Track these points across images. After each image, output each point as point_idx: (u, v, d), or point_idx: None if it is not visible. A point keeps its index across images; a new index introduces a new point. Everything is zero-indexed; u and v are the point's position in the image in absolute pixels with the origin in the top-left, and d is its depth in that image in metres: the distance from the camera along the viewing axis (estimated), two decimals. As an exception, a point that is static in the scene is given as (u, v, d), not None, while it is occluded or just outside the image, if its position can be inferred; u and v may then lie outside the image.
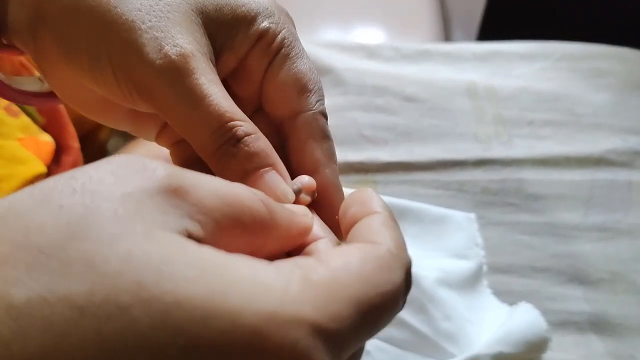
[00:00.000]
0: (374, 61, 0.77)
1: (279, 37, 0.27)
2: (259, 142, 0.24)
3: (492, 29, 1.11)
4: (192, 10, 0.25)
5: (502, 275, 0.59)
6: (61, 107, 0.52)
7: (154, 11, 0.24)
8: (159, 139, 0.29)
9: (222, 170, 0.24)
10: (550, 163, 0.67)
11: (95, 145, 0.63)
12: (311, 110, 0.26)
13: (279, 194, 0.23)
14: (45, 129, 0.50)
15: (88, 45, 0.24)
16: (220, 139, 0.23)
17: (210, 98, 0.23)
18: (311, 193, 0.25)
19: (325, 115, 0.27)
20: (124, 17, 0.23)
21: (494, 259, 0.59)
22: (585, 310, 0.57)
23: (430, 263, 0.54)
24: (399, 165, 0.66)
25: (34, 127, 0.48)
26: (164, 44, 0.23)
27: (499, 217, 0.63)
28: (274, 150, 0.25)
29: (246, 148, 0.24)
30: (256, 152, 0.24)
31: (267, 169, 0.24)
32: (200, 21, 0.25)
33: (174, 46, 0.23)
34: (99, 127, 0.63)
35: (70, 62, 0.25)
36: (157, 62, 0.23)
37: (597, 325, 0.56)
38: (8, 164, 0.44)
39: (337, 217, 0.24)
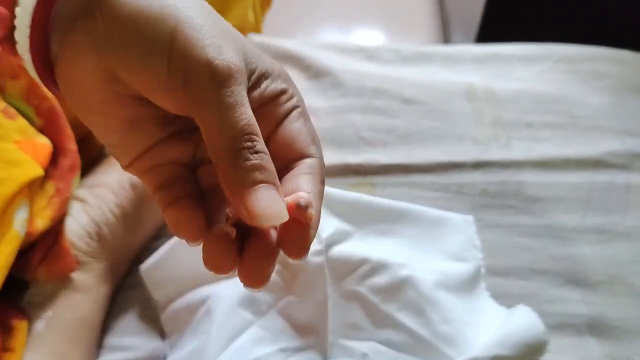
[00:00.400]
0: (373, 63, 0.77)
1: (296, 98, 0.31)
2: (270, 163, 0.27)
3: (491, 31, 1.11)
4: (239, 44, 0.29)
5: (500, 278, 0.59)
6: (59, 109, 0.52)
7: (215, 28, 0.28)
8: (130, 167, 0.31)
9: (233, 172, 0.26)
10: (549, 165, 0.67)
11: (92, 148, 0.63)
12: (316, 157, 0.30)
13: (276, 209, 0.26)
14: (42, 131, 0.50)
15: (149, 32, 0.27)
16: (242, 143, 0.26)
17: (245, 108, 0.26)
18: (311, 208, 0.27)
19: (324, 164, 0.30)
20: (195, 21, 0.27)
21: (492, 262, 0.59)
22: (583, 313, 0.57)
23: (428, 266, 0.55)
24: (398, 167, 0.66)
25: (31, 130, 0.48)
26: (224, 51, 0.27)
27: (498, 220, 0.63)
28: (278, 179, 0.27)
29: (261, 161, 0.26)
30: (268, 168, 0.26)
31: (272, 185, 0.26)
32: (243, 56, 0.28)
33: (231, 57, 0.27)
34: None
35: (123, 51, 0.27)
36: (216, 61, 0.26)
37: (595, 327, 0.56)
38: (5, 167, 0.44)
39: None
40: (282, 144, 0.30)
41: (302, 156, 0.30)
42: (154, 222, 0.59)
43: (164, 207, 0.29)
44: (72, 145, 0.53)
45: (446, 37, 1.21)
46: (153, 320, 0.55)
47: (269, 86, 0.30)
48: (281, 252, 0.28)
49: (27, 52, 0.29)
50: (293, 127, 0.30)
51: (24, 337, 0.48)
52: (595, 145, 0.68)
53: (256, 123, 0.27)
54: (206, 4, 0.29)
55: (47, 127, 0.51)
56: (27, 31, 0.28)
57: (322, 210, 0.29)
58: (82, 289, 0.52)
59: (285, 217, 0.26)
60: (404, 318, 0.50)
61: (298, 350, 0.50)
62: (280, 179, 0.28)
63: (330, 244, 0.52)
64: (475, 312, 0.53)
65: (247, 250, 0.27)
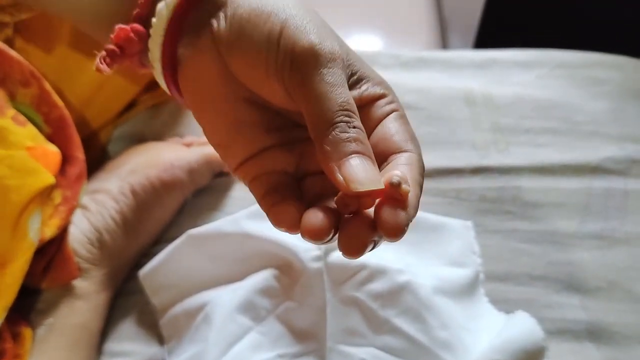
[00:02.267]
0: (372, 68, 0.77)
1: (396, 104, 0.32)
2: (366, 140, 0.28)
3: (489, 36, 1.11)
4: (343, 46, 0.31)
5: (499, 284, 0.59)
6: (68, 117, 0.52)
7: (320, 26, 0.30)
8: (238, 171, 0.33)
9: (330, 143, 0.28)
10: (548, 171, 0.67)
11: (96, 149, 0.63)
12: (414, 152, 0.30)
13: (370, 175, 0.27)
14: (51, 139, 0.50)
15: (262, 27, 0.30)
16: (341, 117, 0.28)
17: (345, 89, 0.29)
18: (406, 183, 0.27)
19: (423, 163, 0.31)
20: (302, 16, 0.30)
21: (490, 267, 0.59)
22: (582, 319, 0.57)
23: (427, 271, 0.55)
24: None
25: (41, 137, 0.48)
26: (327, 40, 0.30)
27: (496, 225, 0.63)
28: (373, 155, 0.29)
29: (358, 135, 0.28)
30: (365, 142, 0.28)
31: (367, 157, 0.28)
32: (346, 56, 0.31)
33: (333, 45, 0.30)
34: (99, 130, 0.63)
35: (239, 45, 0.31)
36: (320, 45, 0.29)
37: (594, 333, 0.56)
38: (18, 175, 0.44)
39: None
40: (379, 140, 0.31)
41: (399, 150, 0.30)
42: (154, 229, 0.59)
43: (268, 208, 0.30)
44: (80, 154, 0.53)
45: (444, 42, 1.21)
46: (152, 325, 0.56)
47: (369, 89, 0.32)
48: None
49: (158, 60, 0.33)
50: (391, 125, 0.31)
51: (29, 344, 0.48)
52: (594, 151, 0.68)
53: (354, 104, 0.29)
54: (313, 9, 0.32)
55: (55, 135, 0.51)
56: (161, 40, 0.32)
57: None
58: (83, 296, 0.52)
59: (380, 184, 0.27)
60: (403, 324, 0.50)
61: (297, 355, 0.50)
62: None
63: (329, 249, 0.52)
64: (474, 317, 0.53)
65: (347, 220, 0.28)
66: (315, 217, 0.27)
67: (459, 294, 0.54)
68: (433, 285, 0.53)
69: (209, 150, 0.61)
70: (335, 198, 0.29)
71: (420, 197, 0.29)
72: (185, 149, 0.62)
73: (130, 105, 0.66)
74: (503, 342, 0.49)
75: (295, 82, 0.29)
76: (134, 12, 0.33)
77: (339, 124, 0.28)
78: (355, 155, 0.27)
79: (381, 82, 0.32)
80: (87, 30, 0.37)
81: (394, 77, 0.75)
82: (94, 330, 0.53)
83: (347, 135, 0.28)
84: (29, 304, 0.51)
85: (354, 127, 0.28)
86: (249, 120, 0.32)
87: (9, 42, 0.49)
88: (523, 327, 0.51)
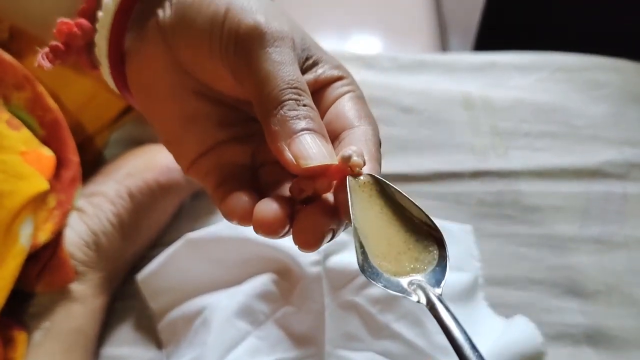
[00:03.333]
0: (371, 71, 0.77)
1: (352, 86, 0.31)
2: (318, 118, 0.27)
3: (488, 38, 1.11)
4: (297, 30, 0.30)
5: (498, 288, 0.59)
6: (62, 120, 0.51)
7: (269, 8, 0.29)
8: (191, 170, 0.32)
9: (278, 122, 0.26)
10: (547, 175, 0.67)
11: (92, 153, 0.62)
12: (368, 127, 0.29)
13: (322, 150, 0.26)
14: (45, 142, 0.50)
15: (206, 10, 0.29)
16: (289, 95, 0.27)
17: (293, 67, 0.27)
18: (361, 158, 0.26)
19: (379, 138, 0.30)
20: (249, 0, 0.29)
21: (489, 271, 0.59)
22: (581, 323, 0.57)
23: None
24: (396, 176, 0.66)
25: (35, 141, 0.48)
26: (275, 21, 0.28)
27: (495, 229, 0.63)
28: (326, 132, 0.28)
29: (308, 112, 0.27)
30: (316, 119, 0.27)
31: (319, 134, 0.26)
32: (300, 40, 0.29)
33: (281, 26, 0.28)
34: (95, 134, 0.63)
35: (183, 30, 0.29)
36: (266, 25, 0.28)
37: (593, 338, 0.56)
38: (10, 180, 0.44)
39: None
40: (332, 119, 0.30)
41: (351, 127, 0.29)
42: (151, 232, 0.59)
43: (220, 200, 0.29)
44: (74, 157, 0.52)
45: (444, 45, 1.21)
46: (149, 330, 0.55)
47: (325, 72, 0.31)
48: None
49: (105, 55, 0.31)
50: (345, 104, 0.30)
51: (24, 348, 0.47)
52: (593, 155, 0.68)
53: (305, 82, 0.28)
54: None
55: (50, 138, 0.51)
56: (107, 34, 0.31)
57: None
58: (79, 299, 0.51)
59: (333, 159, 0.26)
60: (401, 328, 0.50)
61: (295, 360, 0.50)
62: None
63: (327, 254, 0.52)
64: (473, 322, 0.53)
65: (302, 208, 0.27)
66: (267, 207, 0.26)
67: (459, 298, 0.54)
68: (432, 290, 0.52)
69: None
70: (290, 185, 0.27)
71: (380, 173, 0.28)
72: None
73: (127, 110, 0.66)
74: (502, 346, 0.49)
75: (242, 63, 0.28)
76: (80, 6, 0.31)
77: (287, 102, 0.26)
78: (305, 132, 0.26)
79: (339, 67, 0.31)
80: (37, 31, 0.36)
81: (393, 80, 0.75)
82: (91, 334, 0.52)
83: (296, 112, 0.26)
84: (23, 308, 0.51)
85: (304, 105, 0.27)
86: (200, 114, 0.31)
87: (4, 46, 0.49)
88: (522, 331, 0.51)
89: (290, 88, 0.27)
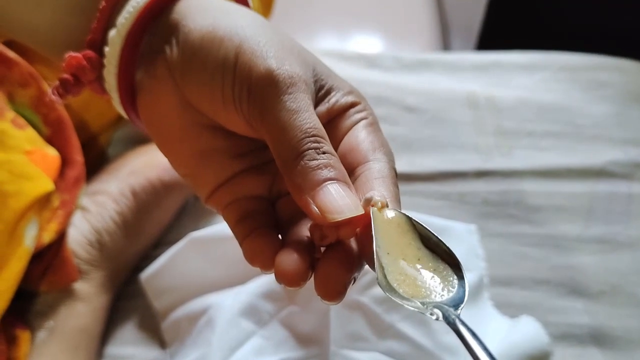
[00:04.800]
0: (374, 71, 0.77)
1: (366, 112, 0.30)
2: (339, 164, 0.26)
3: (491, 38, 1.11)
4: (308, 61, 0.29)
5: (502, 287, 0.58)
6: (67, 119, 0.51)
7: (279, 44, 0.28)
8: (210, 201, 0.31)
9: (300, 174, 0.26)
10: (551, 174, 0.67)
11: (95, 152, 0.62)
12: (383, 162, 0.29)
13: (348, 202, 0.25)
14: (49, 140, 0.49)
15: (216, 53, 0.28)
16: (307, 145, 0.26)
17: (310, 113, 0.26)
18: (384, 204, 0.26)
19: (396, 171, 0.29)
20: (259, 38, 0.28)
21: (494, 271, 0.59)
22: (585, 323, 0.57)
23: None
24: (400, 175, 0.65)
25: (40, 141, 0.48)
26: (286, 63, 0.27)
27: (499, 229, 0.63)
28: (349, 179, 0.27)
29: (329, 160, 0.26)
30: (338, 167, 0.26)
31: (343, 182, 0.26)
32: (311, 72, 0.29)
33: (293, 67, 0.27)
34: (99, 133, 0.63)
35: (193, 74, 0.28)
36: (278, 70, 0.27)
37: (598, 338, 0.56)
38: (16, 180, 0.43)
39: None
40: (346, 152, 0.29)
41: (365, 161, 0.28)
42: (155, 230, 0.59)
43: (241, 240, 0.28)
44: (78, 157, 0.52)
45: (445, 44, 1.21)
46: (153, 329, 0.55)
47: (339, 100, 0.30)
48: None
49: (114, 90, 0.31)
50: (358, 134, 0.29)
51: (27, 347, 0.47)
52: (597, 155, 0.68)
53: (322, 128, 0.27)
54: (272, 26, 0.30)
55: (54, 137, 0.50)
56: (115, 70, 0.30)
57: None
58: (83, 298, 0.51)
59: (359, 209, 0.25)
60: (407, 328, 0.50)
61: (300, 360, 0.49)
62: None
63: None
64: (478, 321, 0.53)
65: (324, 257, 0.26)
66: (289, 260, 0.26)
67: (463, 298, 0.54)
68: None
69: None
70: (309, 227, 0.27)
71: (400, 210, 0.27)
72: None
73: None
74: (508, 347, 0.49)
75: (256, 113, 0.27)
76: (87, 37, 0.30)
77: (307, 152, 0.26)
78: (328, 182, 0.25)
79: (351, 92, 0.31)
80: (46, 53, 0.34)
81: (396, 80, 0.75)
82: (94, 333, 0.52)
83: (317, 162, 0.26)
84: (27, 307, 0.50)
85: (324, 153, 0.26)
86: (215, 147, 0.31)
87: (9, 45, 0.48)
88: (528, 331, 0.51)
89: (309, 137, 0.26)
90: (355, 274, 0.26)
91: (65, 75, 0.31)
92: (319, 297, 0.25)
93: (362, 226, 0.26)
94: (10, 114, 0.46)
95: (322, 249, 0.27)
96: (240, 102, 0.27)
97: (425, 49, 1.12)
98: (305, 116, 0.26)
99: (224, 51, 0.28)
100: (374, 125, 0.30)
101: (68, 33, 0.32)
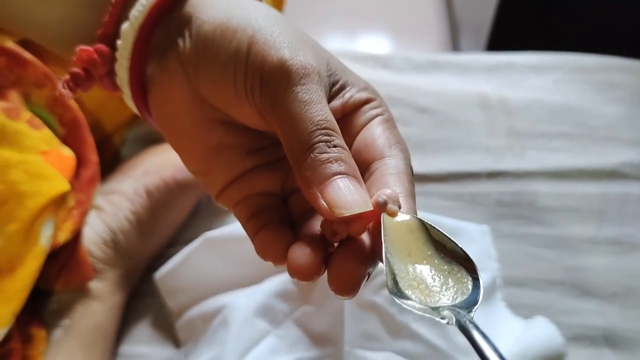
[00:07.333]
0: (385, 71, 0.77)
1: (381, 108, 0.30)
2: (351, 158, 0.26)
3: (500, 38, 1.11)
4: (321, 55, 0.29)
5: (515, 288, 0.58)
6: (82, 119, 0.51)
7: (293, 36, 0.28)
8: (221, 198, 0.31)
9: (309, 167, 0.25)
10: (563, 176, 0.67)
11: (109, 151, 0.63)
12: (399, 158, 0.28)
13: (357, 197, 0.25)
14: (65, 141, 0.50)
15: (228, 45, 0.27)
16: (318, 137, 0.25)
17: (322, 105, 0.26)
18: (397, 203, 0.25)
19: (412, 168, 0.29)
20: (272, 29, 0.27)
21: (506, 272, 0.59)
22: (599, 325, 0.57)
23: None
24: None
25: (56, 141, 0.48)
26: (299, 53, 0.27)
27: (512, 230, 0.63)
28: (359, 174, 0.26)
29: (340, 154, 0.25)
30: (349, 161, 0.26)
31: (352, 177, 0.25)
32: (325, 66, 0.28)
33: (306, 58, 0.27)
34: (113, 133, 0.63)
35: (205, 66, 0.28)
36: (291, 61, 0.26)
37: (611, 340, 0.56)
38: (32, 180, 0.43)
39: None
40: (361, 148, 0.29)
41: (381, 157, 0.28)
42: (169, 229, 0.59)
43: (253, 235, 0.28)
44: (93, 156, 0.52)
45: (455, 45, 1.21)
46: (167, 328, 0.55)
47: (353, 96, 0.29)
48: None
49: (126, 84, 0.30)
50: (373, 130, 0.29)
51: (42, 345, 0.48)
52: (609, 156, 0.68)
53: (334, 121, 0.26)
54: (286, 19, 0.29)
55: (69, 137, 0.51)
56: (127, 63, 0.29)
57: None
58: (98, 297, 0.52)
59: (368, 205, 0.25)
60: (421, 328, 0.50)
61: (314, 359, 0.49)
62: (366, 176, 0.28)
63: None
64: (492, 322, 0.53)
65: (337, 251, 0.26)
66: (301, 253, 0.25)
67: (477, 299, 0.54)
68: (451, 290, 0.52)
69: None
70: (321, 222, 0.27)
71: (415, 209, 0.27)
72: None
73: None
74: (523, 348, 0.49)
75: (267, 104, 0.27)
76: (99, 31, 0.30)
77: (317, 145, 0.25)
78: (338, 176, 0.25)
79: (366, 88, 0.30)
80: (56, 49, 0.34)
81: (407, 80, 0.75)
82: (109, 332, 0.52)
83: (327, 155, 0.25)
84: (42, 306, 0.51)
85: (335, 146, 0.25)
86: (227, 143, 0.30)
87: (25, 45, 0.49)
88: (542, 332, 0.51)
89: (320, 129, 0.25)
90: (370, 269, 0.26)
91: (76, 69, 0.30)
92: (333, 292, 0.25)
93: (373, 223, 0.26)
94: (27, 115, 0.46)
95: (336, 244, 0.27)
96: (252, 93, 0.27)
97: (434, 49, 1.12)
98: (317, 108, 0.26)
99: (236, 42, 0.27)
100: (390, 122, 0.30)
101: (79, 27, 0.31)
